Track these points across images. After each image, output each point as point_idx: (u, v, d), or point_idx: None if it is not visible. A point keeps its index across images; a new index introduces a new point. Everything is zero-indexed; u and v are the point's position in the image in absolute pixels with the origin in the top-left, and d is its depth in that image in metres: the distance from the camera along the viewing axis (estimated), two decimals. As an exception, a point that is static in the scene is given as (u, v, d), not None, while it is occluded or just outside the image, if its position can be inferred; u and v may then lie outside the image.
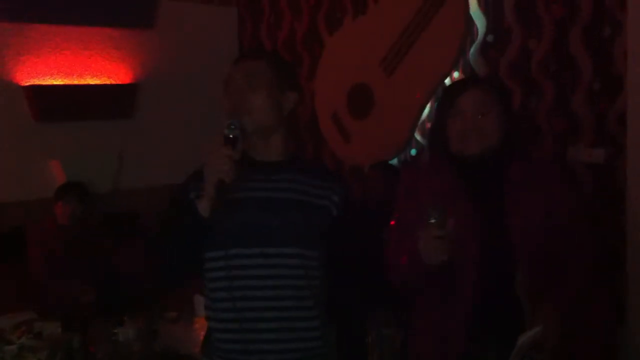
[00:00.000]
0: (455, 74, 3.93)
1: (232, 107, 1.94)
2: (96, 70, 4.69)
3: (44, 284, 3.93)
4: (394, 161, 4.22)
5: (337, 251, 2.01)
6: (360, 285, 2.10)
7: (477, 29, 3.80)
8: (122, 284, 3.73)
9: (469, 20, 3.78)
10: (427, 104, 4.07)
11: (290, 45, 4.96)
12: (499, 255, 1.98)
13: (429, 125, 4.07)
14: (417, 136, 4.16)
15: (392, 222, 2.14)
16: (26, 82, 4.42)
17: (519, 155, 2.07)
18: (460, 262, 1.96)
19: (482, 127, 2.01)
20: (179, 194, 1.99)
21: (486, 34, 3.76)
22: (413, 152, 4.21)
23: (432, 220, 1.85)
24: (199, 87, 4.77)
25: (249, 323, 1.90)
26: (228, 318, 1.92)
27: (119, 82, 4.76)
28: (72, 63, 4.58)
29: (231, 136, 1.85)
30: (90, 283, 3.82)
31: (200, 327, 3.16)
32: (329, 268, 2.02)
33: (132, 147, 4.75)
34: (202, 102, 4.66)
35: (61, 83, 4.55)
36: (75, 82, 4.60)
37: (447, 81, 3.93)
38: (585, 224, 2.13)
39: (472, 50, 3.82)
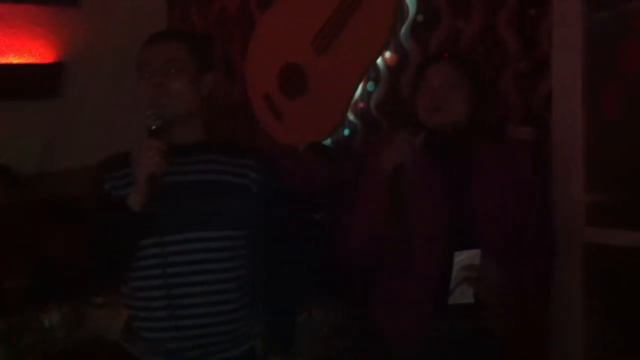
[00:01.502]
0: (387, 54, 3.92)
1: (152, 94, 1.90)
2: (19, 49, 4.51)
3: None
4: (327, 142, 4.20)
5: (262, 229, 2.01)
6: (288, 264, 2.09)
7: (407, 8, 3.79)
8: (57, 271, 3.63)
9: (400, 0, 3.77)
10: (359, 84, 4.05)
11: (222, 24, 4.86)
12: (462, 234, 2.01)
13: (361, 105, 4.07)
14: (351, 116, 4.15)
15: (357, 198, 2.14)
16: (-55, 62, 4.23)
17: (489, 134, 2.12)
18: (425, 234, 1.99)
19: (449, 101, 2.05)
20: (95, 190, 1.95)
21: (416, 14, 3.76)
22: (346, 132, 4.20)
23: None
24: (126, 67, 4.63)
25: (180, 309, 1.89)
26: (160, 306, 1.91)
27: (43, 61, 4.59)
28: (-6, 41, 4.41)
29: (154, 127, 1.83)
30: (19, 269, 3.70)
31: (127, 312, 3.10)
32: (255, 247, 2.01)
33: (59, 127, 4.60)
34: (130, 82, 4.52)
35: (-19, 62, 4.37)
36: (-2, 61, 4.43)
37: (379, 61, 3.94)
38: (547, 208, 2.19)
39: (402, 30, 3.81)
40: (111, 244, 1.86)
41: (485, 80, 2.35)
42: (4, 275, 3.66)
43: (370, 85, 4.03)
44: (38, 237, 3.91)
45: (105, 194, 1.93)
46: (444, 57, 2.26)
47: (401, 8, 3.79)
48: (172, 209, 1.89)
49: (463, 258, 1.95)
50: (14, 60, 4.50)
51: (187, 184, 1.93)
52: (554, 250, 2.24)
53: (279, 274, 2.08)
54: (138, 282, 1.93)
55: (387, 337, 2.14)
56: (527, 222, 2.09)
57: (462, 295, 1.98)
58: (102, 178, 1.96)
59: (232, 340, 1.97)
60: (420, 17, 3.75)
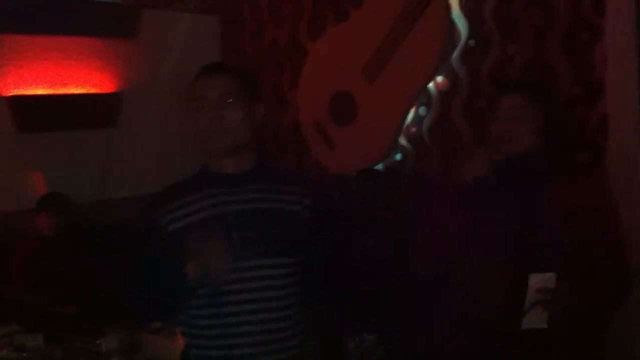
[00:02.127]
0: (439, 79, 3.93)
1: (208, 126, 1.92)
2: (79, 80, 4.66)
3: (24, 297, 3.88)
4: (380, 167, 4.21)
5: (312, 256, 1.99)
6: (336, 290, 2.09)
7: (459, 33, 3.80)
8: (105, 299, 3.69)
9: (451, 25, 3.78)
10: (410, 109, 4.06)
11: (272, 54, 4.95)
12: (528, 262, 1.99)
13: (413, 130, 4.07)
14: (402, 141, 4.15)
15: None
16: (8, 93, 4.39)
17: (560, 168, 2.12)
18: (491, 258, 1.99)
19: (519, 132, 2.07)
20: (151, 225, 1.97)
21: (468, 39, 3.76)
22: (398, 157, 4.20)
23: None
24: (181, 97, 4.73)
25: (235, 338, 1.90)
26: (214, 334, 1.92)
27: (102, 91, 4.74)
28: (54, 73, 4.54)
29: None
30: (71, 297, 3.78)
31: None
32: (305, 274, 2.01)
33: (116, 156, 4.72)
34: (184, 112, 4.61)
35: (43, 93, 4.52)
36: (58, 92, 4.57)
37: (431, 86, 3.94)
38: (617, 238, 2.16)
39: (454, 55, 3.82)
40: (157, 290, 1.87)
41: (559, 106, 2.36)
42: (54, 301, 3.73)
43: (422, 110, 4.04)
44: (88, 264, 3.97)
45: (161, 231, 1.94)
46: (516, 88, 2.27)
47: (452, 33, 3.79)
48: (224, 240, 1.87)
49: (538, 281, 1.93)
50: (74, 91, 4.65)
51: (239, 213, 1.94)
52: (626, 283, 2.18)
53: (329, 301, 2.08)
54: (193, 311, 1.94)
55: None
56: (597, 254, 2.05)
57: (536, 319, 1.94)
58: (158, 212, 1.97)
59: None
60: (471, 42, 3.75)
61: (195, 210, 1.94)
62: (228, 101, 1.94)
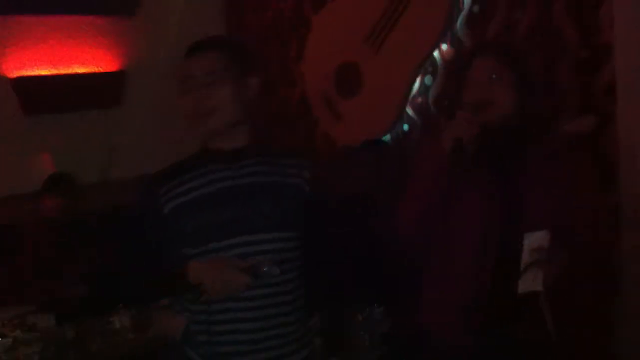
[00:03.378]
0: (444, 47, 3.88)
1: (193, 107, 1.89)
2: (83, 59, 4.64)
3: (33, 278, 3.89)
4: (387, 138, 4.18)
5: (312, 231, 1.97)
6: (338, 264, 2.07)
7: (462, -1, 3.74)
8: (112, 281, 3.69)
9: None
10: (416, 78, 4.02)
11: (277, 27, 4.90)
12: (510, 235, 1.96)
13: (419, 100, 4.03)
14: (409, 111, 4.12)
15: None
16: (12, 74, 4.37)
17: (536, 136, 2.05)
18: (472, 231, 1.95)
19: (496, 96, 2.00)
20: (146, 205, 1.97)
21: (472, 4, 3.70)
22: (405, 127, 4.17)
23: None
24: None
25: (234, 313, 1.89)
26: (211, 310, 1.90)
27: (105, 70, 4.71)
28: (58, 53, 4.53)
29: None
30: (81, 277, 3.78)
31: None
32: (306, 249, 1.98)
33: (121, 136, 4.71)
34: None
35: (47, 73, 4.50)
36: (62, 72, 4.55)
37: (436, 54, 3.89)
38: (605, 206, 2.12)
39: (458, 21, 3.76)
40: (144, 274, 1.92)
41: (533, 70, 2.26)
42: (64, 284, 3.73)
43: (427, 79, 3.99)
44: (95, 246, 3.94)
45: (157, 212, 1.93)
46: (488, 49, 2.18)
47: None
48: (220, 216, 1.89)
49: (532, 240, 1.87)
50: (78, 70, 4.63)
51: (234, 189, 1.92)
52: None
53: (327, 275, 2.06)
54: None
55: (429, 337, 2.10)
56: (582, 221, 2.01)
57: (531, 281, 1.86)
58: (154, 192, 1.95)
59: (289, 344, 1.96)
60: (476, 8, 3.69)
61: (192, 187, 1.93)
62: (213, 80, 1.88)
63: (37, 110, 4.43)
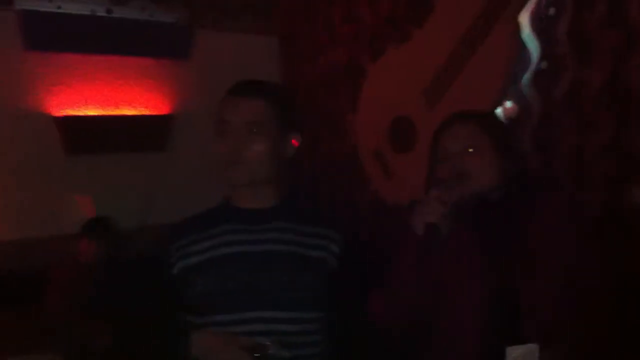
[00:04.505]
0: (508, 104, 3.60)
1: (227, 156, 1.68)
2: (130, 101, 4.55)
3: (64, 325, 3.73)
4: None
5: (338, 311, 1.73)
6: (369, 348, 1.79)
7: (530, 55, 3.47)
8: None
9: (521, 46, 3.45)
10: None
11: (329, 76, 4.70)
12: (503, 310, 1.66)
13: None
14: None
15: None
16: (58, 113, 4.28)
17: (530, 204, 1.74)
18: (462, 316, 1.66)
19: (470, 169, 1.73)
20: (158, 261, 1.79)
21: (540, 61, 3.43)
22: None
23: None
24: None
25: None
26: None
27: (153, 113, 4.59)
28: (105, 93, 4.45)
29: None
30: (108, 326, 3.59)
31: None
32: (330, 331, 1.73)
33: (164, 181, 4.56)
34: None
35: (94, 114, 4.40)
36: (109, 112, 4.45)
37: (498, 111, 3.62)
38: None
39: (524, 78, 3.49)
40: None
41: (511, 137, 1.97)
42: (93, 333, 3.56)
43: (488, 138, 3.71)
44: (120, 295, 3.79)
45: (168, 271, 1.75)
46: (459, 118, 1.90)
47: (522, 55, 3.46)
48: (230, 284, 1.67)
49: (517, 356, 1.52)
50: (126, 112, 4.52)
51: (250, 256, 1.69)
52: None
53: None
54: None
55: None
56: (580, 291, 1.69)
57: None
58: (168, 248, 1.77)
59: None
60: (544, 64, 3.41)
61: (204, 248, 1.73)
62: (253, 131, 1.68)
63: (80, 150, 4.33)
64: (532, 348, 1.53)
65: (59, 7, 4.22)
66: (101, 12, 4.34)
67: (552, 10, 3.31)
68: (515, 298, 1.66)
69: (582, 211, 1.83)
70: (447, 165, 1.76)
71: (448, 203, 1.66)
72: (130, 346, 3.20)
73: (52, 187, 4.30)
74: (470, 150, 1.75)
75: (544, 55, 3.40)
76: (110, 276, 3.84)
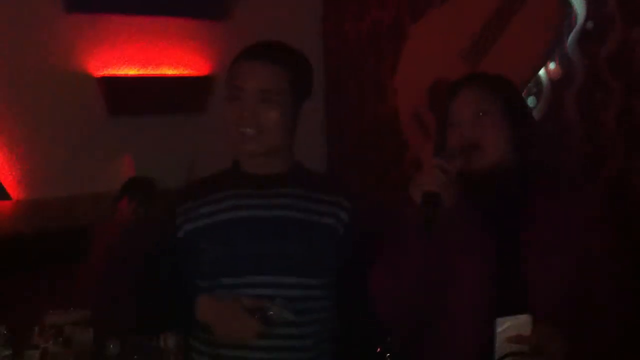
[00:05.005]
0: (551, 66, 3.46)
1: (239, 124, 1.65)
2: (172, 61, 4.52)
3: (100, 284, 3.79)
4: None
5: (345, 279, 1.69)
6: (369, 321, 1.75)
7: (576, 14, 3.31)
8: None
9: (566, 5, 3.30)
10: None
11: (374, 37, 4.58)
12: (511, 302, 1.57)
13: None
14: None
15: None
16: (99, 73, 4.30)
17: (542, 182, 1.64)
18: (465, 300, 1.58)
19: (477, 139, 1.63)
20: (166, 226, 1.78)
21: (586, 21, 3.27)
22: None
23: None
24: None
25: None
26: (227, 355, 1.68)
27: (194, 74, 4.57)
28: (146, 54, 4.42)
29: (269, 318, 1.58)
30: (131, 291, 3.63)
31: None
32: (337, 299, 1.70)
33: (204, 142, 4.55)
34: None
35: (135, 74, 4.41)
36: (150, 73, 4.44)
37: (542, 73, 3.47)
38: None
39: (569, 39, 3.33)
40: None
41: (525, 102, 1.83)
42: (119, 297, 3.60)
43: (530, 100, 3.58)
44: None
45: (171, 235, 1.74)
46: (474, 79, 1.77)
47: (569, 14, 3.31)
48: (238, 248, 1.66)
49: (507, 327, 1.46)
50: (167, 72, 4.51)
51: (258, 220, 1.67)
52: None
53: (358, 330, 1.74)
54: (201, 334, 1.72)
55: None
56: (596, 284, 1.58)
57: None
58: (172, 212, 1.76)
59: None
60: (589, 24, 3.25)
61: (212, 211, 1.71)
62: (267, 99, 1.63)
63: (122, 111, 4.34)
64: (524, 319, 1.46)
65: (100, -33, 4.21)
66: (142, -28, 4.32)
67: (598, -32, 3.16)
68: (522, 287, 1.58)
69: (595, 200, 1.70)
70: (457, 132, 1.68)
71: (451, 172, 1.57)
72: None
73: (94, 146, 4.32)
74: (481, 114, 1.66)
75: (590, 15, 3.25)
76: (143, 237, 3.87)
